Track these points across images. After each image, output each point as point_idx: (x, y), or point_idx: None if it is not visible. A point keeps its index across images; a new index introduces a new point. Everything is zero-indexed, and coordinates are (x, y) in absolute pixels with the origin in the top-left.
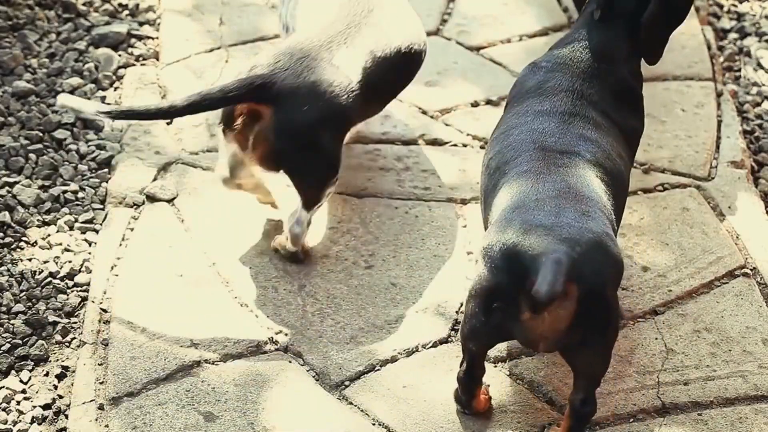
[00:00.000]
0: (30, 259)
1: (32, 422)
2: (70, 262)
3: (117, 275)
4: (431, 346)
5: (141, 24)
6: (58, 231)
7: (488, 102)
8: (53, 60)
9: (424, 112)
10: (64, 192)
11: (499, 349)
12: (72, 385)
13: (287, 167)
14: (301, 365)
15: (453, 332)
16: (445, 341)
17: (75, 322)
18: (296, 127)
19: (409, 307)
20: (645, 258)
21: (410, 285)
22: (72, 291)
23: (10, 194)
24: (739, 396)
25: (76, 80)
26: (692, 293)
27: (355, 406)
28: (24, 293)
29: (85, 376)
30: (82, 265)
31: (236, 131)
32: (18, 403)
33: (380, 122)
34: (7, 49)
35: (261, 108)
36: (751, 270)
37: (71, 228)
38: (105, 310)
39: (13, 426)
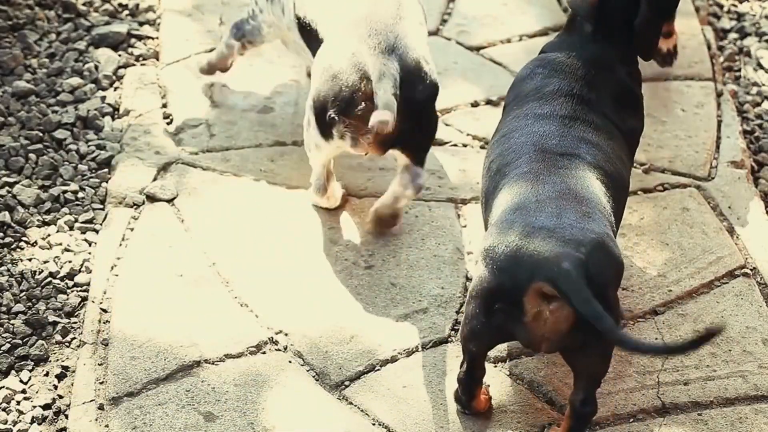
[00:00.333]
0: (30, 259)
1: (32, 422)
2: (70, 262)
3: (117, 275)
4: (431, 346)
5: (141, 24)
6: (58, 231)
7: (488, 102)
8: (53, 60)
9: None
10: (64, 192)
11: (499, 349)
12: (72, 385)
13: (405, 142)
14: (301, 365)
15: (453, 332)
16: (445, 341)
17: (75, 322)
18: (417, 105)
19: (409, 307)
20: (645, 258)
21: (410, 285)
22: (72, 291)
23: (10, 194)
24: (739, 396)
25: (76, 80)
26: (692, 293)
27: (355, 406)
28: (24, 293)
29: (85, 376)
30: (82, 265)
31: (357, 116)
32: (18, 403)
33: None
34: (7, 49)
35: (371, 92)
36: (751, 270)
37: (71, 228)
38: (105, 310)
39: (13, 426)
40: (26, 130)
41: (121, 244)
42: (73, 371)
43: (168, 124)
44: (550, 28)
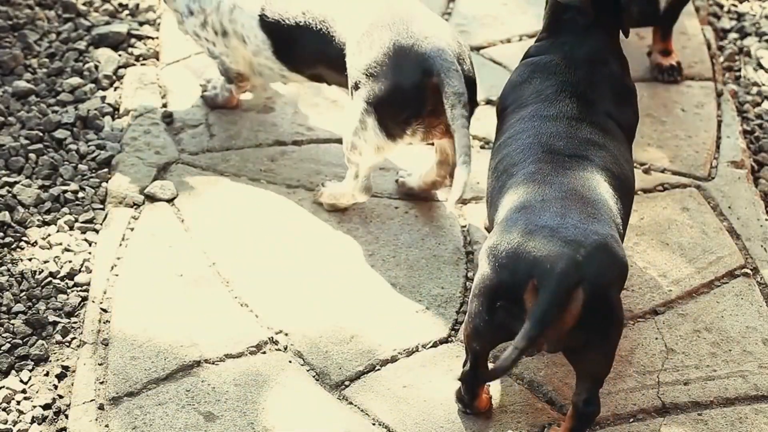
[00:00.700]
0: (30, 259)
1: (32, 422)
2: (70, 262)
3: (117, 275)
4: (431, 346)
5: (141, 24)
6: (58, 231)
7: (488, 102)
8: (53, 60)
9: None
10: (64, 192)
11: (499, 349)
12: (72, 385)
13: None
14: (301, 365)
15: (453, 332)
16: (445, 341)
17: (75, 322)
18: (470, 86)
19: (409, 307)
20: (645, 258)
21: (410, 285)
22: (72, 291)
23: (10, 194)
24: (739, 396)
25: (76, 80)
26: (692, 293)
27: (355, 406)
28: (24, 293)
29: (85, 376)
30: (82, 265)
31: (428, 111)
32: (18, 403)
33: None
34: (7, 49)
35: (438, 83)
36: (751, 270)
37: (71, 228)
38: (105, 310)
39: (13, 426)
40: (26, 130)
41: (121, 244)
42: (73, 371)
43: (168, 124)
44: None
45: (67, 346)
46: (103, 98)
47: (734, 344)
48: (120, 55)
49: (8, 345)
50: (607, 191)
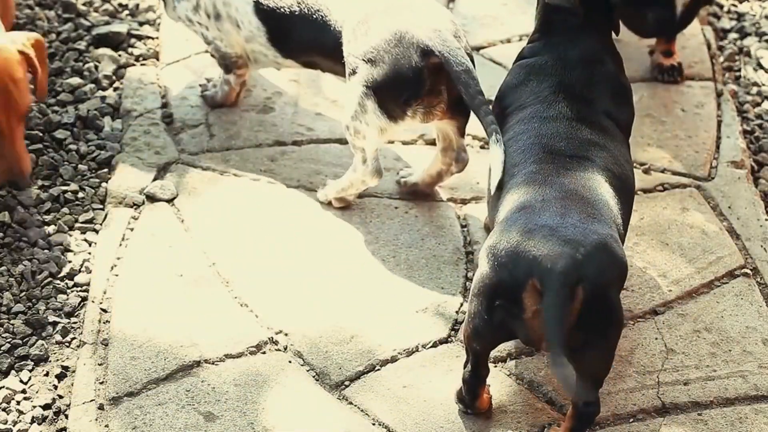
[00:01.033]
0: (30, 259)
1: (32, 422)
2: (70, 262)
3: (117, 275)
4: (431, 346)
5: (141, 24)
6: (58, 231)
7: (488, 102)
8: (53, 60)
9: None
10: (64, 192)
11: (500, 349)
12: (72, 385)
13: (460, 108)
14: (301, 365)
15: (453, 332)
16: (445, 341)
17: (75, 322)
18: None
19: (409, 307)
20: (645, 258)
21: (410, 285)
22: (72, 291)
23: (10, 194)
24: (739, 396)
25: (76, 80)
26: (692, 293)
27: (355, 406)
28: (24, 293)
29: (85, 376)
30: (82, 265)
31: (427, 91)
32: (18, 403)
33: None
34: None
35: (438, 63)
36: (751, 270)
37: (71, 228)
38: (105, 310)
39: (13, 426)
40: (26, 130)
41: (121, 244)
42: (73, 371)
43: (168, 124)
44: None
45: (67, 346)
46: (103, 98)
47: (734, 344)
48: (120, 55)
49: (8, 345)
50: (608, 192)
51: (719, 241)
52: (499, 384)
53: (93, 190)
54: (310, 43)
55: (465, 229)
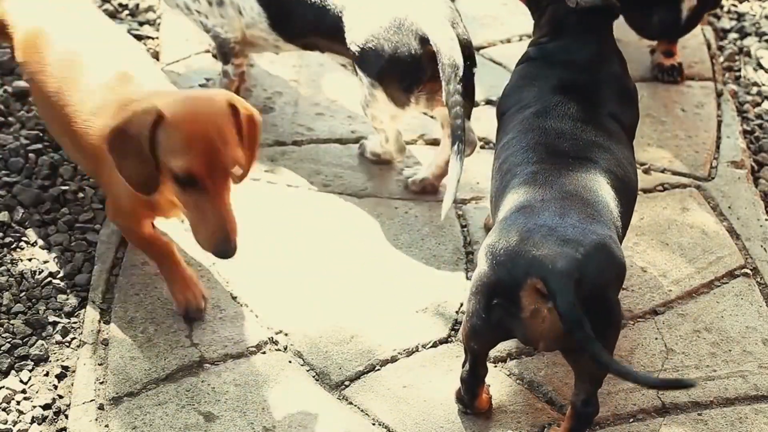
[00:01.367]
0: (30, 259)
1: (32, 422)
2: (70, 262)
3: (117, 275)
4: (431, 346)
5: (141, 24)
6: (58, 231)
7: (488, 102)
8: None
9: (424, 112)
10: (64, 192)
11: (499, 349)
12: (72, 385)
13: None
14: (301, 365)
15: (453, 332)
16: (445, 341)
17: (75, 322)
18: (467, 47)
19: (409, 307)
20: (645, 258)
21: (410, 285)
22: (72, 291)
23: (10, 194)
24: (739, 396)
25: None
26: (692, 293)
27: (355, 406)
28: (24, 293)
29: (85, 376)
30: (82, 265)
31: (428, 78)
32: (18, 403)
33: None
34: (7, 49)
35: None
36: (751, 270)
37: (71, 228)
38: (105, 310)
39: (13, 426)
40: (26, 130)
41: (121, 244)
42: (73, 371)
43: None
44: None
45: (67, 346)
46: None
47: (734, 344)
48: None
49: (8, 345)
50: (609, 194)
51: (719, 241)
52: (499, 384)
53: (93, 190)
54: (311, 26)
55: (465, 229)
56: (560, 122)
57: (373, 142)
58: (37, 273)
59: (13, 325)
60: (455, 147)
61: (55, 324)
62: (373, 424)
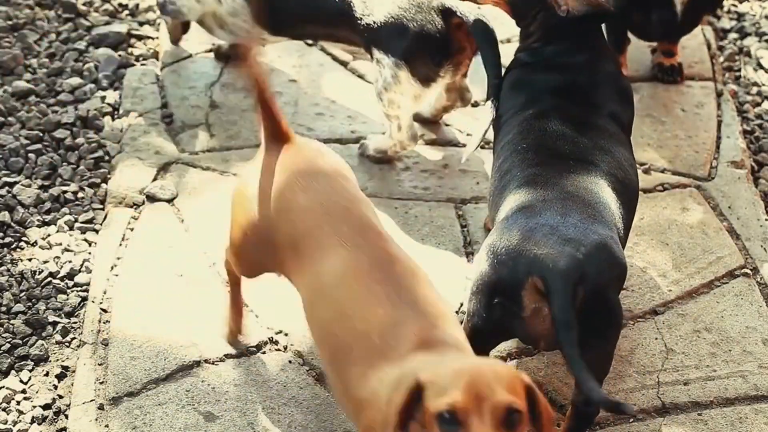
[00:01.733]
0: (30, 259)
1: (32, 422)
2: (70, 262)
3: (117, 275)
4: None
5: (141, 24)
6: (58, 231)
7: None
8: (53, 60)
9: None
10: (64, 192)
11: (500, 349)
12: (72, 385)
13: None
14: (301, 365)
15: None
16: None
17: (75, 322)
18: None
19: None
20: (645, 258)
21: None
22: (72, 291)
23: (10, 194)
24: (739, 396)
25: (76, 80)
26: (692, 293)
27: None
28: (24, 293)
29: (85, 376)
30: (82, 265)
31: (455, 50)
32: (18, 403)
33: (380, 122)
34: (7, 49)
35: (460, 22)
36: (751, 270)
37: (71, 228)
38: (105, 310)
39: (13, 426)
40: (26, 130)
41: (121, 244)
42: (73, 371)
43: (168, 124)
44: None
45: (67, 346)
46: (103, 98)
47: (734, 344)
48: (120, 55)
49: (8, 345)
50: (610, 195)
51: (719, 241)
52: None
53: (93, 190)
54: (308, 15)
55: (465, 229)
56: (560, 124)
57: (376, 139)
58: (37, 273)
59: (13, 325)
60: (492, 100)
61: (55, 324)
62: None
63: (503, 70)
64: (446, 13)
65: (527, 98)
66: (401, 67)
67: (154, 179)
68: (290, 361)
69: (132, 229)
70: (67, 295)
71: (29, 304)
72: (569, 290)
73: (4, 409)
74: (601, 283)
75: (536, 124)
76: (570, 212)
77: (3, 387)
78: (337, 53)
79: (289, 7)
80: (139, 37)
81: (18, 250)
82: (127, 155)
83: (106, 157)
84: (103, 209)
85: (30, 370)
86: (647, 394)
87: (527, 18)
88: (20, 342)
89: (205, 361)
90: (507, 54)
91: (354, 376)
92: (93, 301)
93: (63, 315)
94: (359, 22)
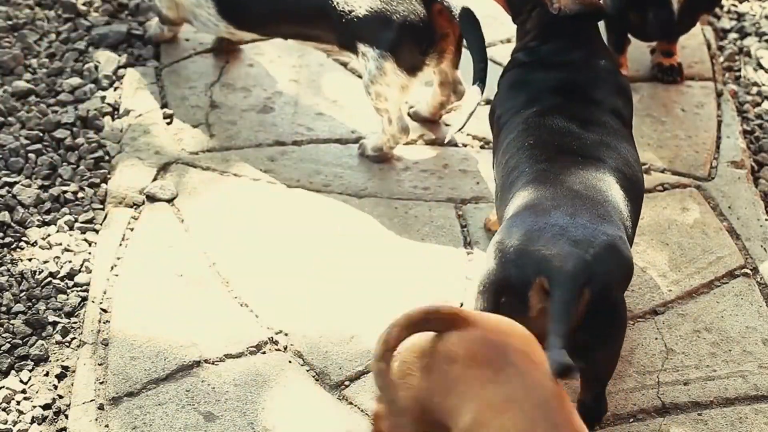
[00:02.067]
0: (30, 259)
1: (32, 422)
2: (70, 262)
3: (117, 275)
4: None
5: (141, 24)
6: (58, 231)
7: (488, 102)
8: (53, 60)
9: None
10: (64, 192)
11: None
12: (72, 385)
13: (459, 44)
14: (301, 365)
15: None
16: None
17: (75, 322)
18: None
19: (409, 307)
20: (645, 258)
21: (410, 285)
22: (72, 291)
23: (10, 194)
24: (739, 396)
25: (76, 80)
26: (692, 293)
27: (355, 406)
28: (24, 293)
29: (85, 376)
30: (82, 265)
31: (440, 37)
32: (18, 403)
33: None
34: (7, 49)
35: (441, 8)
36: (751, 270)
37: (71, 228)
38: (105, 310)
39: (13, 426)
40: (26, 130)
41: (121, 244)
42: (73, 371)
43: (168, 124)
44: None
45: (67, 346)
46: (103, 98)
47: (734, 344)
48: (120, 55)
49: (8, 345)
50: (618, 193)
51: (719, 241)
52: None
53: (93, 190)
54: (274, 12)
55: (465, 229)
56: (565, 121)
57: (373, 138)
58: (37, 273)
59: (13, 325)
60: (477, 83)
61: (55, 324)
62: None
63: (501, 71)
64: (427, 0)
65: (528, 97)
66: (387, 58)
67: (154, 179)
68: (290, 361)
69: (132, 229)
70: (67, 295)
71: (29, 304)
72: (575, 291)
73: (4, 409)
74: (608, 285)
75: (541, 122)
76: (579, 211)
77: (3, 387)
78: None
79: (258, 1)
80: (139, 37)
81: (18, 250)
82: (127, 155)
83: (106, 157)
84: (103, 209)
85: (30, 370)
86: (647, 394)
87: (523, 14)
88: (20, 342)
89: (205, 361)
90: (505, 54)
91: None
92: (93, 301)
93: (63, 315)
94: (340, 17)
